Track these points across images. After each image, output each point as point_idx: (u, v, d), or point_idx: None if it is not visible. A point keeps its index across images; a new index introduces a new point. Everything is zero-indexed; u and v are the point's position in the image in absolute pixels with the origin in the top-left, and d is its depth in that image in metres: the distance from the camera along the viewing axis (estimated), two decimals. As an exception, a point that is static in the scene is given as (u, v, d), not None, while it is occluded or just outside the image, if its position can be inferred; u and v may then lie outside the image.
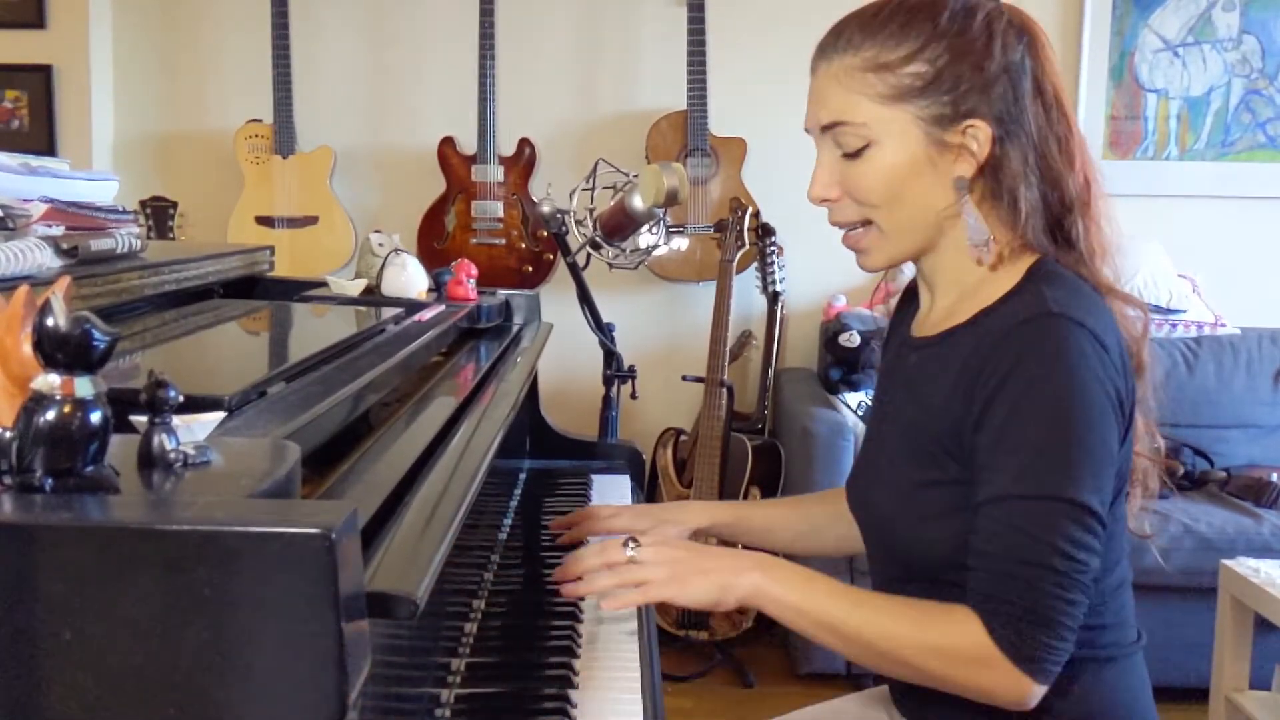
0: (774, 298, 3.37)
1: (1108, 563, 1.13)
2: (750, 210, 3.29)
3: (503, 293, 1.95)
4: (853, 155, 1.15)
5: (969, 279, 1.18)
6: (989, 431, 1.07)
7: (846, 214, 1.19)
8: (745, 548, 1.31)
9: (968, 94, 1.11)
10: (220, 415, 0.81)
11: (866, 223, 1.18)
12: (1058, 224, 1.16)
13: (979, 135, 1.12)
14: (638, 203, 1.67)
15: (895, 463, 1.21)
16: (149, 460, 0.70)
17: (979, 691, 1.07)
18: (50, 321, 0.63)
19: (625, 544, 1.15)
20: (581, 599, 1.31)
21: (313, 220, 3.54)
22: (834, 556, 1.46)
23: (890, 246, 1.19)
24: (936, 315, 1.22)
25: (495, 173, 3.49)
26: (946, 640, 1.07)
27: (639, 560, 1.14)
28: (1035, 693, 1.05)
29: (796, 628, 1.12)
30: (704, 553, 1.17)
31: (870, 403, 1.40)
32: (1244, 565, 2.42)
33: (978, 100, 1.12)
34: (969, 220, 1.14)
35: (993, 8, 1.15)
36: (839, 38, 1.16)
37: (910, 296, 1.33)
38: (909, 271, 1.30)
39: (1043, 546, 1.03)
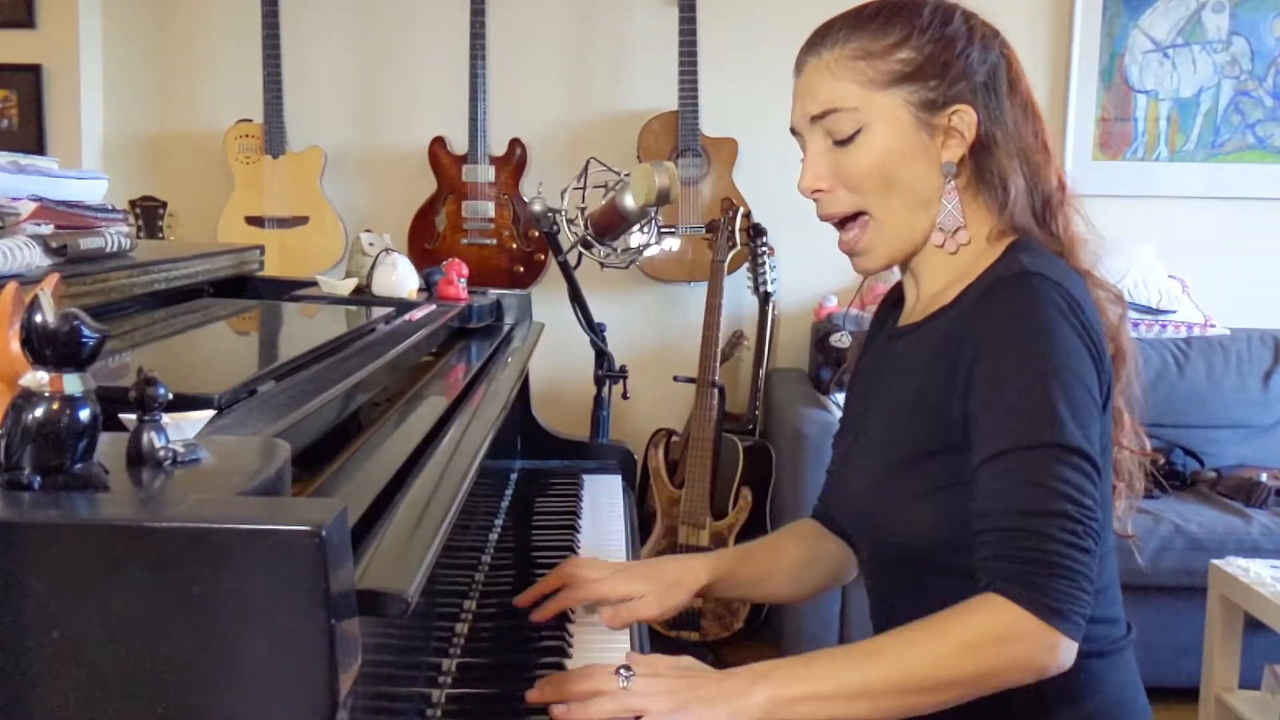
0: (765, 298, 3.37)
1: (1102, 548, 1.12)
2: (741, 211, 3.29)
3: (494, 292, 1.95)
4: (844, 142, 1.17)
5: (957, 266, 1.19)
6: (977, 395, 1.08)
7: (838, 204, 1.20)
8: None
9: (954, 81, 1.16)
10: (210, 413, 0.80)
11: (858, 214, 1.20)
12: (1040, 214, 1.19)
13: (966, 119, 1.16)
14: (629, 202, 1.67)
15: (879, 448, 1.21)
16: (138, 458, 0.69)
17: (1020, 669, 1.01)
18: (39, 318, 0.63)
19: (617, 672, 1.05)
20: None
21: (303, 220, 3.54)
22: (829, 590, 1.45)
23: (887, 238, 1.20)
24: (923, 303, 1.23)
25: (486, 173, 3.49)
26: (970, 632, 1.01)
27: (634, 692, 1.03)
28: (1067, 648, 1.01)
29: (831, 715, 1.02)
30: (702, 679, 1.06)
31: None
32: (1233, 565, 2.44)
33: (963, 88, 1.16)
34: (946, 205, 1.17)
35: (967, 9, 1.20)
36: (827, 34, 1.20)
37: (894, 301, 1.34)
38: (896, 273, 1.31)
39: (1044, 493, 1.02)
